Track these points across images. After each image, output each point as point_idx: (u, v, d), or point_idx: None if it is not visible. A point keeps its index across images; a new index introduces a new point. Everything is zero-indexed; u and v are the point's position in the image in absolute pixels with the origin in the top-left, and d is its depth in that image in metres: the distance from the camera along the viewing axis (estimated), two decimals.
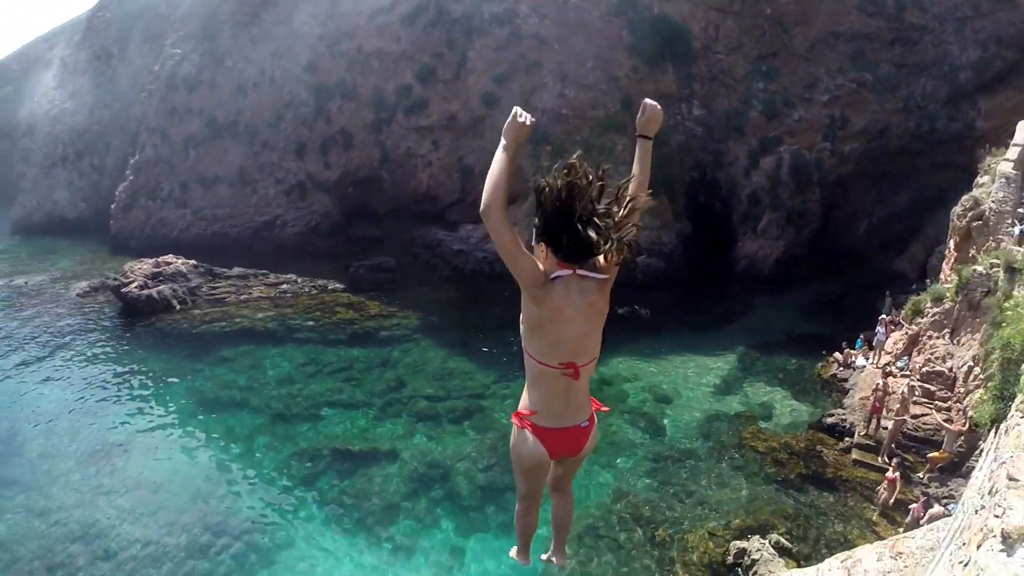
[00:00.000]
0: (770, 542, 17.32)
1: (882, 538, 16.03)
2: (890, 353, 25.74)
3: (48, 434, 25.20)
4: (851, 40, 42.73)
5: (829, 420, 23.68)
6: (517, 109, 3.35)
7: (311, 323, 36.31)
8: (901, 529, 17.04)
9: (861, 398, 24.08)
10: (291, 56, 55.07)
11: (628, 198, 3.40)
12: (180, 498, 21.47)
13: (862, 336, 28.39)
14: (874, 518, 18.78)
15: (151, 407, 27.52)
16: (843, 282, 38.72)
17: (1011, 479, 4.67)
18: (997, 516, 4.26)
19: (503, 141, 3.36)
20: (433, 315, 37.61)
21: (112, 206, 57.03)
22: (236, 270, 42.84)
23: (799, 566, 16.23)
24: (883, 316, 27.37)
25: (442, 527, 20.09)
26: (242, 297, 39.39)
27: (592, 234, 3.15)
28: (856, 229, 44.14)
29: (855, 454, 21.71)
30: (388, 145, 53.58)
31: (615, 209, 3.31)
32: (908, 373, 23.80)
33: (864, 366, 26.42)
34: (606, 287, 3.51)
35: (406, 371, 30.68)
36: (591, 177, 3.32)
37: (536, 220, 3.39)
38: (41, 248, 57.04)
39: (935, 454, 19.96)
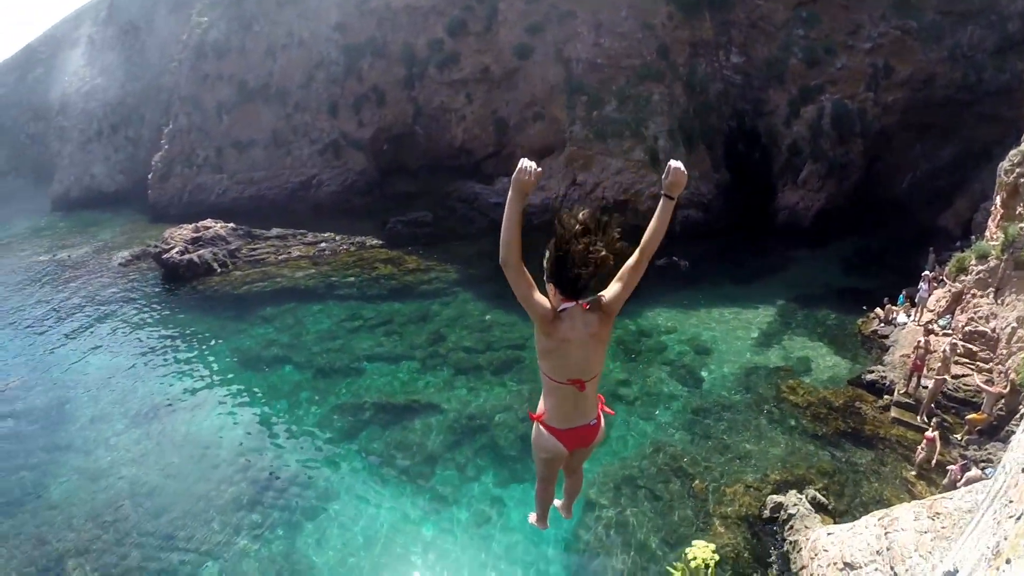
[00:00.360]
0: (806, 497, 17.13)
1: (918, 498, 15.81)
2: (932, 311, 24.88)
3: (97, 399, 25.80)
4: None
5: (869, 377, 23.05)
6: (523, 161, 3.74)
7: (350, 279, 36.54)
8: (938, 490, 16.73)
9: (902, 355, 23.39)
10: (319, 16, 54.55)
11: (612, 245, 3.92)
12: (227, 454, 21.93)
13: (904, 292, 27.46)
14: (911, 478, 18.33)
15: (196, 368, 28.03)
16: (885, 236, 37.39)
17: None
18: None
19: (511, 191, 3.77)
20: (472, 268, 37.50)
21: (149, 176, 57.75)
22: (275, 231, 43.16)
23: (835, 522, 16.14)
24: (926, 272, 26.37)
25: (482, 478, 20.17)
26: (281, 257, 39.73)
27: (580, 272, 3.85)
28: (900, 182, 42.43)
29: (894, 412, 21.14)
30: (421, 100, 53.04)
31: (601, 253, 3.86)
32: (950, 332, 22.97)
33: (905, 323, 25.67)
34: (608, 321, 4.14)
35: (446, 324, 30.72)
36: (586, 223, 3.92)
37: (544, 263, 4.06)
38: (82, 222, 58.14)
39: (974, 416, 19.31)
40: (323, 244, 41.53)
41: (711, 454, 20.35)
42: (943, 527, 11.71)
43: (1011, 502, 4.73)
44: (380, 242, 42.01)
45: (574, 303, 4.00)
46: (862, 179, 42.44)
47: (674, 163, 4.07)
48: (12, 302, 37.39)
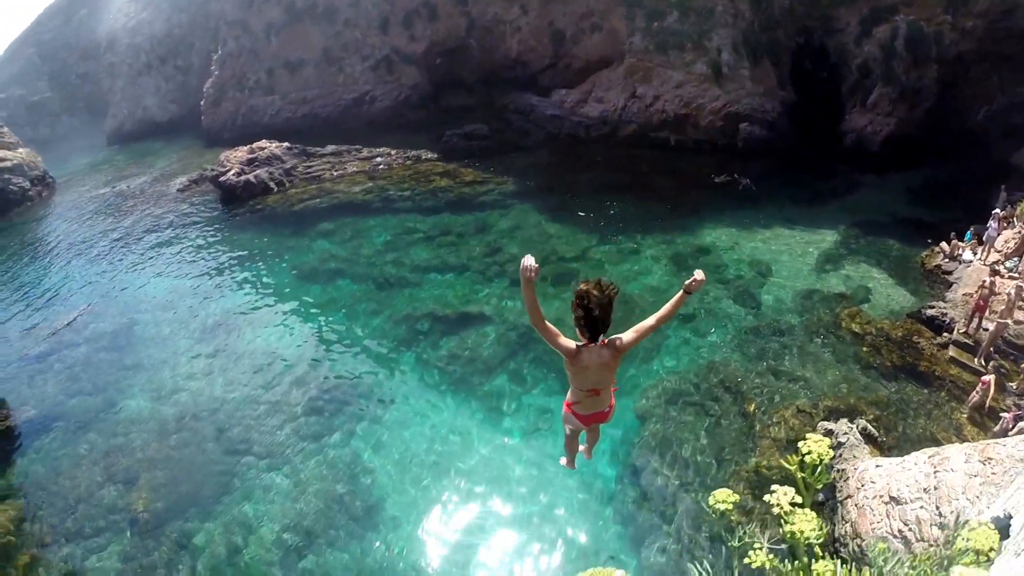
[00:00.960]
0: (857, 427, 16.65)
1: (968, 441, 15.16)
2: (1000, 252, 23.23)
3: (162, 321, 26.31)
4: None
5: (929, 312, 21.83)
6: (525, 259, 4.87)
7: (407, 193, 36.20)
8: (988, 436, 15.96)
9: (964, 294, 22.21)
10: None
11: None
12: (287, 366, 22.25)
13: (972, 229, 25.64)
14: (962, 420, 17.56)
15: (256, 285, 28.35)
16: (956, 169, 34.79)
17: None
18: None
19: (521, 281, 4.96)
20: (528, 180, 36.78)
21: (201, 102, 57.85)
22: (330, 148, 42.92)
23: (883, 455, 15.70)
24: (996, 211, 24.31)
25: (535, 389, 20.11)
26: (337, 173, 39.52)
27: (599, 327, 5.15)
28: (975, 113, 38.98)
29: (952, 351, 20.01)
30: (474, 13, 51.46)
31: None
32: (1017, 276, 21.45)
33: (971, 261, 24.23)
34: (618, 356, 5.39)
35: (502, 236, 30.31)
36: (606, 296, 5.02)
37: (573, 315, 5.19)
38: (138, 153, 58.85)
39: None
40: (378, 159, 41.13)
41: (764, 375, 19.92)
42: (993, 473, 11.48)
43: None
44: (436, 155, 41.42)
45: (594, 344, 5.26)
46: (935, 107, 39.23)
47: (699, 274, 5.31)
48: (77, 235, 38.12)
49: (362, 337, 23.43)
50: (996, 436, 15.48)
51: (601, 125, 44.36)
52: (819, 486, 2.84)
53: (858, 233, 28.85)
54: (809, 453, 2.78)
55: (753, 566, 2.78)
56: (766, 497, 2.81)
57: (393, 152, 41.98)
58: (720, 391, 19.34)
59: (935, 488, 12.15)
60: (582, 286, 5.07)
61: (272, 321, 25.13)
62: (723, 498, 2.93)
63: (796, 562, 2.66)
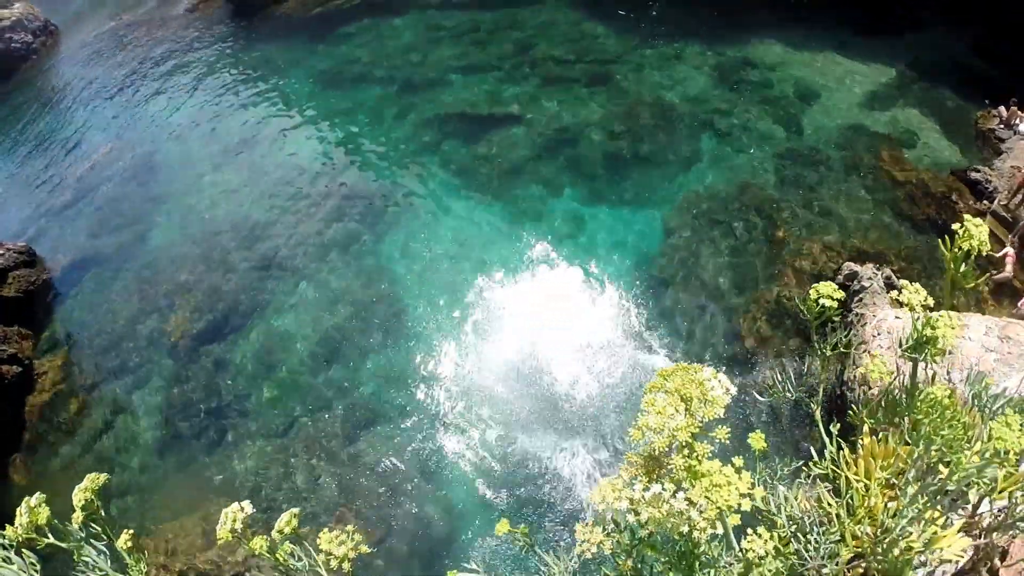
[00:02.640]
0: (882, 275, 16.20)
1: (984, 315, 14.57)
2: None
3: (185, 147, 25.48)
4: None
5: (974, 175, 20.48)
6: None
7: None
8: (1005, 314, 15.30)
9: (1012, 166, 20.63)
10: None
11: None
12: (313, 177, 21.76)
13: None
14: (985, 293, 17.01)
15: (277, 98, 27.18)
16: None
17: None
18: None
19: None
20: None
21: None
22: None
23: (902, 307, 14.86)
24: None
25: (564, 194, 19.46)
26: None
27: None
28: None
29: (989, 221, 18.68)
30: None
31: None
32: None
33: None
34: None
35: (535, 33, 28.29)
36: None
37: None
38: None
39: None
40: None
41: (796, 204, 19.17)
42: (1009, 352, 11.53)
43: None
44: None
45: None
46: None
47: None
48: (89, 77, 36.36)
49: (388, 142, 22.68)
50: (1015, 318, 14.87)
51: None
52: (967, 284, 2.49)
53: (914, 75, 26.22)
54: (968, 237, 2.36)
55: (872, 377, 2.50)
56: (894, 294, 2.57)
57: None
58: (751, 213, 18.80)
59: (950, 352, 11.63)
60: None
61: (295, 133, 24.35)
62: (827, 291, 2.46)
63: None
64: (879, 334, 14.10)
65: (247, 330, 17.34)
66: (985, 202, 19.86)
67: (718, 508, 1.49)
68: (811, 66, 26.20)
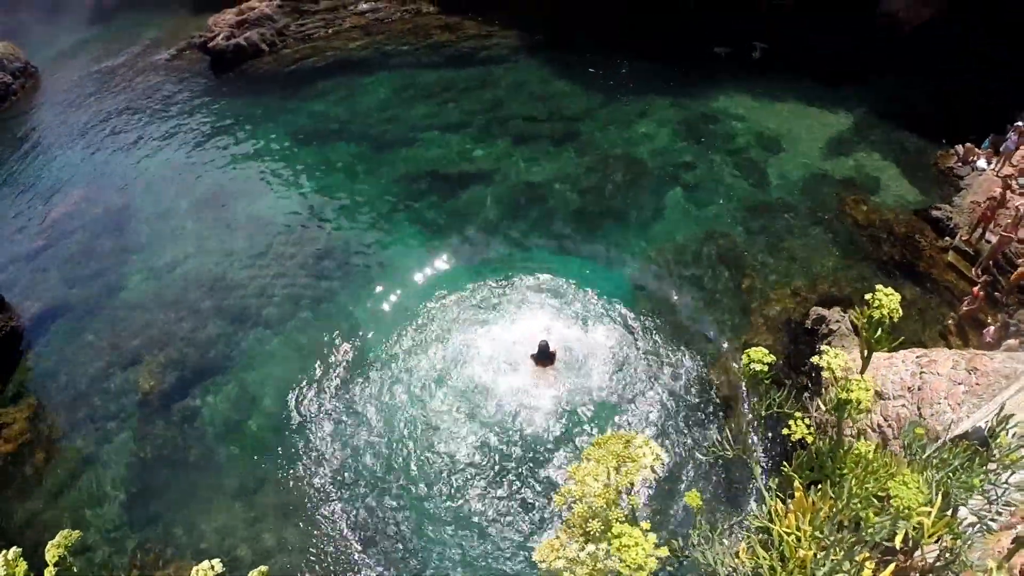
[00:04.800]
0: (849, 317, 16.58)
1: (954, 349, 14.93)
2: (1015, 166, 22.45)
3: (158, 198, 25.39)
4: None
5: (935, 213, 21.49)
6: None
7: (405, 48, 34.42)
8: (974, 347, 16.00)
9: (973, 201, 21.86)
10: None
11: None
12: (286, 232, 21.88)
13: (990, 138, 24.37)
14: (951, 327, 17.57)
15: (251, 152, 27.36)
16: (990, 70, 32.29)
17: None
18: None
19: None
20: (536, 34, 34.77)
21: None
22: (324, 3, 40.51)
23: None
24: (1019, 124, 23.40)
25: (535, 248, 19.87)
26: (332, 30, 37.51)
27: None
28: (1019, 13, 35.74)
29: (951, 257, 20.01)
30: None
31: None
32: None
33: (984, 170, 23.49)
34: None
35: (505, 92, 28.95)
36: None
37: None
38: (126, 25, 55.51)
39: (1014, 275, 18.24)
40: (376, 13, 38.94)
41: (763, 252, 19.80)
42: (977, 384, 11.57)
43: None
44: (437, 8, 39.08)
45: None
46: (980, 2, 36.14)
47: None
48: (67, 121, 35.79)
49: (361, 200, 22.87)
50: (980, 348, 15.65)
51: None
52: (881, 348, 2.72)
53: (875, 121, 27.31)
54: (879, 307, 2.59)
55: (794, 438, 2.61)
56: (815, 359, 2.70)
57: (391, 5, 39.66)
58: (718, 264, 19.33)
59: (919, 388, 12.41)
60: None
61: (267, 188, 24.47)
62: (759, 356, 2.63)
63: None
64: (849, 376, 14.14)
65: (217, 385, 17.27)
66: (947, 238, 20.67)
67: (627, 566, 1.62)
68: (774, 117, 27.08)
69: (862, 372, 2.51)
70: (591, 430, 15.00)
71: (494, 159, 23.93)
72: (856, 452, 2.38)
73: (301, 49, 35.92)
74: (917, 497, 1.94)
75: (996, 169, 23.06)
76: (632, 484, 1.82)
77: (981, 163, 23.76)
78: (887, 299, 2.51)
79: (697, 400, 15.63)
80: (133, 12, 57.14)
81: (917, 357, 13.29)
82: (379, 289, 18.94)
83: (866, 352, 2.64)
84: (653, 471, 1.97)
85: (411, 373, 16.57)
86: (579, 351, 16.50)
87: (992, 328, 16.61)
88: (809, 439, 2.58)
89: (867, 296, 2.57)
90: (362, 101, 29.55)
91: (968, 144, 24.48)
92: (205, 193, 24.91)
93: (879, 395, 12.96)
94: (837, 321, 16.69)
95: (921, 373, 12.61)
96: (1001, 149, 23.35)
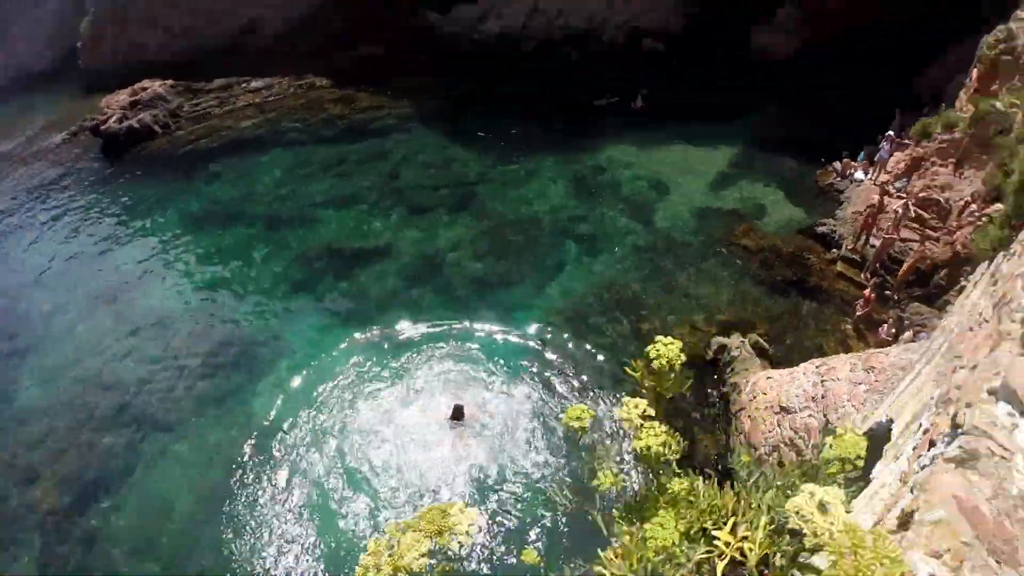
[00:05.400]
0: (749, 341, 17.70)
1: (854, 352, 16.25)
2: (890, 172, 24.18)
3: (50, 295, 24.45)
4: None
5: (820, 229, 23.12)
6: None
7: (299, 124, 34.81)
8: (871, 346, 17.10)
9: (854, 212, 23.52)
10: None
11: None
12: (184, 324, 21.49)
13: (864, 150, 26.39)
14: (849, 331, 18.78)
15: (146, 240, 26.86)
16: (856, 90, 34.96)
17: None
18: (1014, 321, 4.13)
19: None
20: (427, 102, 35.67)
21: (79, 44, 53.68)
22: (217, 82, 40.60)
23: (774, 367, 16.70)
24: (889, 133, 25.20)
25: (436, 319, 20.03)
26: (226, 109, 37.58)
27: None
28: (878, 38, 38.94)
29: (840, 266, 21.46)
30: None
31: None
32: (905, 195, 22.44)
33: (862, 180, 25.28)
34: None
35: (400, 162, 29.53)
36: None
37: None
38: (16, 110, 54.09)
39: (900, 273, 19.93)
40: (269, 89, 39.18)
41: (660, 292, 20.64)
42: (876, 381, 12.35)
43: (958, 357, 5.15)
44: (329, 82, 39.66)
45: None
46: (840, 29, 39.02)
47: None
48: None
49: (258, 283, 22.82)
50: (879, 346, 16.51)
51: (502, 42, 43.15)
52: (669, 395, 2.77)
53: (756, 151, 29.09)
54: (658, 357, 2.69)
55: (601, 488, 2.69)
56: (616, 410, 2.73)
57: (284, 81, 40.09)
58: (616, 311, 19.94)
59: (822, 396, 13.06)
60: None
61: (164, 278, 24.09)
62: (576, 415, 2.69)
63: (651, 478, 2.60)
64: (755, 397, 15.01)
65: (121, 496, 16.57)
66: (835, 250, 22.06)
67: None
68: (660, 160, 28.43)
69: (658, 420, 2.67)
70: (498, 489, 15.23)
71: (391, 231, 24.29)
72: (671, 491, 2.50)
73: (195, 130, 35.81)
74: (672, 537, 2.16)
75: (873, 178, 24.61)
76: (450, 550, 2.10)
77: (859, 175, 25.54)
78: (666, 348, 2.73)
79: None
80: (23, 94, 55.67)
81: (817, 367, 14.17)
82: (284, 376, 18.76)
83: (655, 400, 2.77)
84: (468, 535, 2.18)
85: (323, 458, 16.42)
86: (488, 413, 16.77)
87: (886, 325, 17.74)
88: (617, 487, 2.70)
89: (647, 348, 2.77)
90: (258, 180, 29.63)
91: (845, 159, 26.19)
92: (100, 287, 24.27)
93: (785, 410, 13.71)
94: (737, 347, 17.45)
95: (823, 382, 13.42)
96: (876, 159, 25.04)
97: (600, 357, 18.27)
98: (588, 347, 18.59)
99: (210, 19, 49.82)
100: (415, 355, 18.67)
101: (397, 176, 28.11)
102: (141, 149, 34.99)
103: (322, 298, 21.47)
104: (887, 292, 19.82)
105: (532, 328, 19.45)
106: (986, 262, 8.43)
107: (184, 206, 28.69)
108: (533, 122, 32.44)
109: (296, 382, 18.54)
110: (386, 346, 19.18)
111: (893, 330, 17.57)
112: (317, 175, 29.22)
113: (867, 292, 18.89)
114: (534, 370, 17.93)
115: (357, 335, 19.73)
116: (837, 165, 26.49)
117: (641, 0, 40.75)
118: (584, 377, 17.71)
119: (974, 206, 19.09)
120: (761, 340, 17.87)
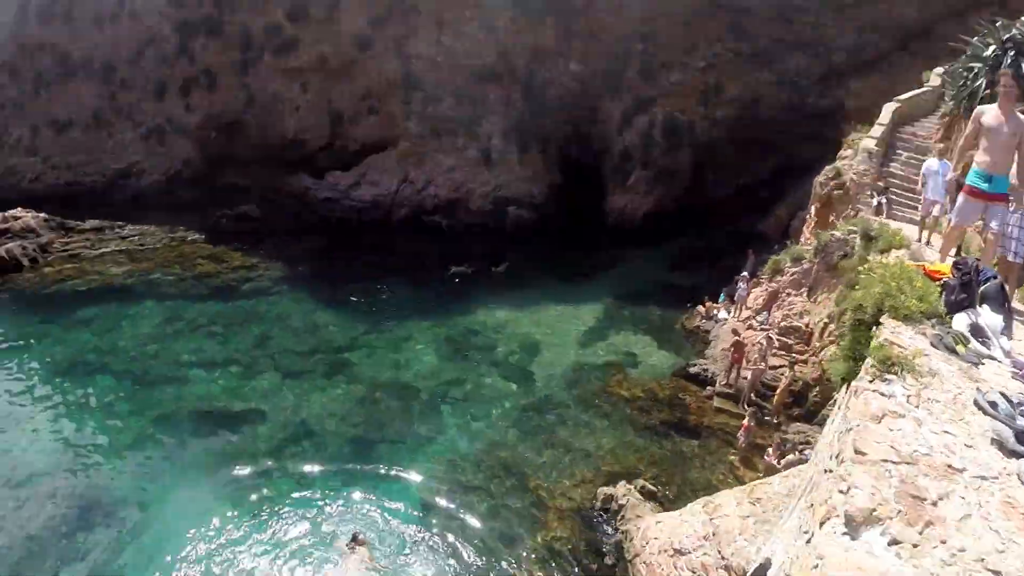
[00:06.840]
0: (636, 487, 18.12)
1: (743, 482, 17.39)
2: (751, 308, 26.83)
3: None
4: (732, 12, 42.53)
5: (692, 369, 24.84)
6: None
7: (171, 277, 35.08)
8: (758, 474, 18.42)
9: (722, 349, 25.39)
10: None
11: None
12: (39, 483, 20.03)
13: (724, 291, 29.73)
14: (735, 462, 19.98)
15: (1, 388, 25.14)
16: (709, 239, 39.71)
17: (858, 452, 4.60)
18: (842, 492, 4.27)
19: None
20: (300, 265, 37.09)
21: None
22: (90, 223, 40.60)
23: (664, 510, 17.15)
24: (744, 273, 28.25)
25: (309, 488, 19.88)
26: (97, 252, 37.49)
27: None
28: (724, 190, 45.32)
29: (717, 402, 23.17)
30: (254, 87, 50.98)
31: None
32: (767, 327, 24.95)
33: (726, 319, 27.73)
34: None
35: (272, 325, 30.26)
36: None
37: None
38: None
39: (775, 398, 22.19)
40: (143, 238, 39.57)
41: (543, 450, 21.24)
42: (763, 511, 12.74)
43: (811, 506, 5.17)
44: (203, 237, 40.54)
45: None
46: (689, 185, 45.10)
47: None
48: None
49: (123, 443, 22.04)
50: (767, 472, 17.64)
51: (374, 209, 46.08)
52: None
53: (623, 303, 32.00)
54: None
55: None
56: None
57: (158, 231, 40.66)
58: (501, 471, 20.12)
59: (714, 534, 13.27)
60: None
61: (19, 430, 22.50)
62: None
63: None
64: (648, 542, 15.16)
65: None
66: (709, 387, 23.69)
67: None
68: (532, 321, 30.30)
69: None
70: None
71: (262, 395, 24.52)
72: None
73: (65, 269, 35.48)
74: None
75: (736, 315, 27.12)
76: None
77: (722, 314, 28.14)
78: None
79: None
80: None
81: (703, 506, 14.46)
82: (151, 553, 17.51)
83: None
84: None
85: None
86: None
87: (771, 449, 18.90)
88: None
89: None
90: (126, 332, 29.41)
91: (707, 302, 29.05)
92: None
93: (679, 552, 13.64)
94: (624, 495, 17.66)
95: (711, 520, 13.59)
96: (735, 297, 27.58)
97: (487, 519, 18.17)
98: (475, 509, 18.56)
99: (92, 157, 50.20)
100: (287, 526, 18.08)
101: (270, 339, 28.74)
102: (6, 280, 34.12)
103: (189, 462, 21.02)
104: (766, 418, 21.54)
105: (415, 493, 19.41)
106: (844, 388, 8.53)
107: (45, 350, 27.91)
108: (405, 287, 34.30)
109: (164, 558, 17.13)
110: (256, 515, 18.56)
111: (778, 452, 18.63)
112: (187, 333, 29.34)
113: (745, 422, 20.32)
114: (420, 535, 17.60)
115: (227, 503, 19.17)
116: (701, 308, 29.26)
117: (505, 171, 45.04)
118: (472, 539, 17.40)
119: (832, 326, 21.24)
120: (648, 484, 18.28)
